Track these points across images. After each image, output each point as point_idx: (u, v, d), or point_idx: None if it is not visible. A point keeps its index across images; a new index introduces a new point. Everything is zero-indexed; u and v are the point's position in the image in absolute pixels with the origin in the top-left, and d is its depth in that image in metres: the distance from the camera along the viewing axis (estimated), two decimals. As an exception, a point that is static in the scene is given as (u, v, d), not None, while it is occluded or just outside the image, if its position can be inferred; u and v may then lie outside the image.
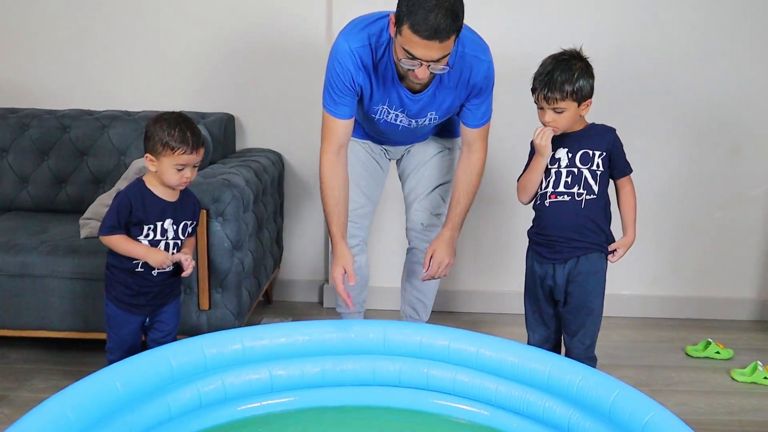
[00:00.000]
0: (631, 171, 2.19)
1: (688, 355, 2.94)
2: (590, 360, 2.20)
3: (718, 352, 2.91)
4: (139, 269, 2.07)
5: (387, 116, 2.19)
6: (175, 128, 1.97)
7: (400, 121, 2.21)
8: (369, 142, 2.42)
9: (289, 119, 3.24)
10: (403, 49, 1.87)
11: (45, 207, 3.09)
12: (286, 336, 2.03)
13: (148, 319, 2.16)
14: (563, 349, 2.30)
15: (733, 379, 2.73)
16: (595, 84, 2.10)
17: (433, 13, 1.78)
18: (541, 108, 2.10)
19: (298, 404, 2.05)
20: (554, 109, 2.06)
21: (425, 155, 2.43)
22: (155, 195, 2.05)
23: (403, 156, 2.48)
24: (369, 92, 2.12)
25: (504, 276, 3.29)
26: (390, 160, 2.50)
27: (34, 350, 2.74)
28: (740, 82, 3.13)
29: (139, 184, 2.06)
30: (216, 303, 2.49)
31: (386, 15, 2.04)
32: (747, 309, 3.34)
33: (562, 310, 2.21)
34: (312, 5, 3.13)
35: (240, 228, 2.50)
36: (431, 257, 2.24)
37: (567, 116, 2.07)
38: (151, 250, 2.04)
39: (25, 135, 3.08)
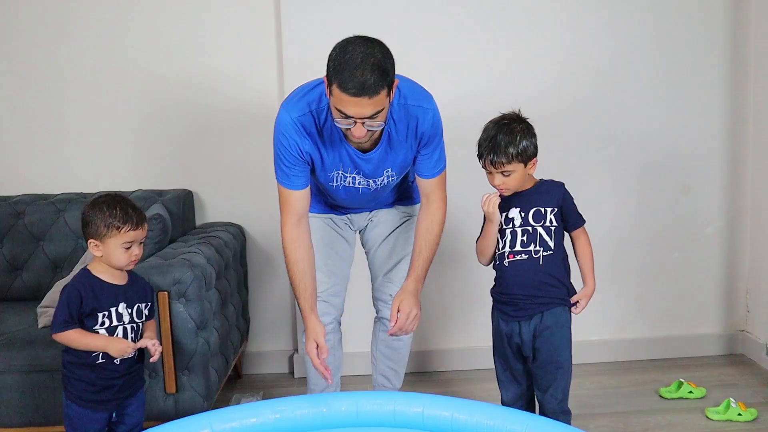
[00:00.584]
0: (583, 222, 2.23)
1: (662, 397, 2.95)
2: (564, 414, 2.19)
3: (691, 392, 2.92)
4: (100, 360, 2.01)
5: (344, 181, 2.18)
6: (116, 207, 1.97)
7: (359, 183, 2.19)
8: (331, 214, 2.39)
9: (248, 191, 3.24)
10: (336, 108, 1.86)
11: (0, 296, 3.01)
12: (256, 416, 1.98)
13: (114, 415, 2.08)
14: (537, 404, 2.29)
15: (708, 418, 2.74)
16: (541, 140, 2.15)
17: (359, 69, 1.78)
18: (489, 173, 2.14)
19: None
20: (502, 173, 2.10)
21: (387, 226, 2.41)
22: (104, 281, 2.01)
23: (366, 226, 2.45)
24: (319, 159, 2.11)
25: (473, 332, 3.28)
26: (355, 231, 2.47)
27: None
28: (683, 123, 3.24)
29: (85, 273, 2.02)
30: (183, 386, 2.43)
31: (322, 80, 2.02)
32: (714, 344, 3.38)
33: (531, 366, 2.21)
34: (264, 74, 3.17)
35: (203, 307, 2.46)
36: (398, 310, 2.14)
37: (515, 177, 2.11)
38: (110, 340, 1.99)
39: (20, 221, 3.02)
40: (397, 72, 1.93)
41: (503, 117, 2.14)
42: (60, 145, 3.22)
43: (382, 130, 2.05)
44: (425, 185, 2.22)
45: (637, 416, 2.79)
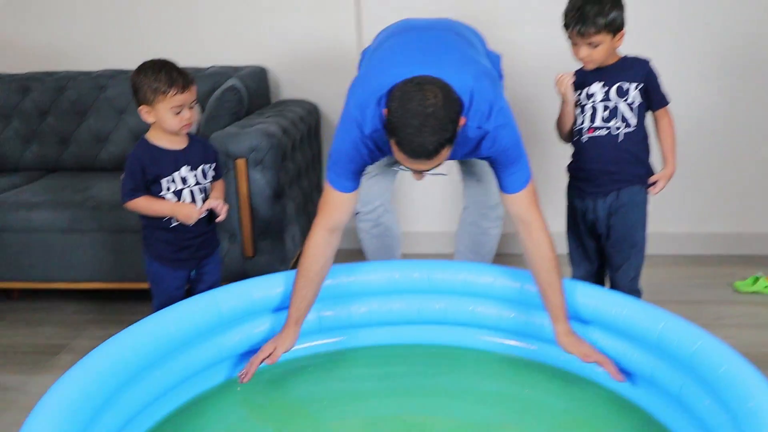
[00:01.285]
0: (668, 102, 2.14)
1: (737, 291, 2.89)
2: (635, 293, 2.19)
3: (767, 287, 2.86)
4: (174, 224, 2.07)
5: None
6: (160, 72, 1.96)
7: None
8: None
9: (322, 69, 3.21)
10: (395, 154, 1.68)
11: (87, 166, 3.15)
12: (332, 278, 2.04)
13: (193, 272, 2.17)
14: (608, 285, 2.29)
15: (783, 312, 2.69)
16: (634, 19, 2.04)
17: (420, 135, 1.58)
18: (575, 44, 2.07)
19: (346, 344, 2.08)
20: (589, 44, 2.03)
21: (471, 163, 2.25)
22: (162, 148, 2.03)
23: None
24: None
25: (548, 216, 3.25)
26: None
27: (88, 302, 2.82)
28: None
29: (143, 143, 2.05)
30: (261, 250, 2.52)
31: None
32: (796, 243, 3.26)
33: (605, 244, 2.20)
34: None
35: (280, 176, 2.51)
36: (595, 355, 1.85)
37: (602, 50, 2.04)
38: (176, 205, 2.03)
39: (63, 97, 3.13)
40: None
41: None
42: (138, 21, 3.25)
43: None
44: (514, 206, 1.90)
45: (710, 306, 2.75)
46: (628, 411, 1.81)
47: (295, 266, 2.83)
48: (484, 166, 2.23)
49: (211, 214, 2.11)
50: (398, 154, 1.65)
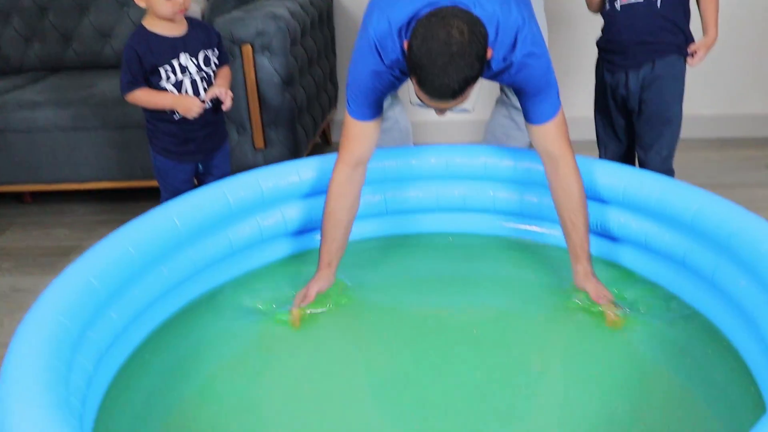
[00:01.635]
0: None
1: (773, 172, 2.76)
2: (668, 173, 2.06)
3: (806, 168, 2.72)
4: (178, 116, 1.96)
5: None
6: None
7: None
8: None
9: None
10: (415, 91, 1.55)
11: (92, 64, 3.03)
12: (343, 167, 1.94)
13: (200, 166, 2.09)
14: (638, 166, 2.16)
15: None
16: None
17: (443, 74, 1.44)
18: None
19: (361, 234, 2.00)
20: None
21: None
22: (159, 35, 1.90)
23: None
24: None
25: (575, 100, 3.10)
26: None
27: (99, 203, 2.78)
28: None
29: (140, 30, 1.92)
30: (271, 141, 2.42)
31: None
32: (838, 122, 3.08)
33: (636, 121, 2.06)
34: None
35: (289, 62, 2.37)
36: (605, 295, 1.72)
37: None
38: (177, 97, 1.92)
39: (63, -9, 2.99)
40: None
41: None
42: None
43: None
44: (540, 138, 1.72)
45: (744, 189, 2.63)
46: (655, 292, 1.73)
47: (311, 154, 2.77)
48: None
49: (217, 103, 1.99)
50: (419, 93, 1.52)
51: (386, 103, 2.18)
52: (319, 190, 1.94)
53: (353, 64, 1.70)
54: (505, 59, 1.61)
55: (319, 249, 1.79)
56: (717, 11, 2.00)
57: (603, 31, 2.07)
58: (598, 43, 2.09)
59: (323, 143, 3.24)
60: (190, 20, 1.98)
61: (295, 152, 2.45)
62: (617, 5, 1.97)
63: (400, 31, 1.58)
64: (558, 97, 1.70)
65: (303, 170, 1.92)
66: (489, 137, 2.33)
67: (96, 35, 3.01)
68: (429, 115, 3.05)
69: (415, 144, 2.45)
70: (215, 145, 2.06)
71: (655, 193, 1.70)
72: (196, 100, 1.92)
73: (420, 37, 1.45)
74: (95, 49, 3.02)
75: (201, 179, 2.11)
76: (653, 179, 1.74)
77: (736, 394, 1.44)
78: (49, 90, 2.69)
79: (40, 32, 3.02)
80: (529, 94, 1.68)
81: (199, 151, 2.03)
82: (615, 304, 1.67)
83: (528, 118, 1.72)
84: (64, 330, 1.29)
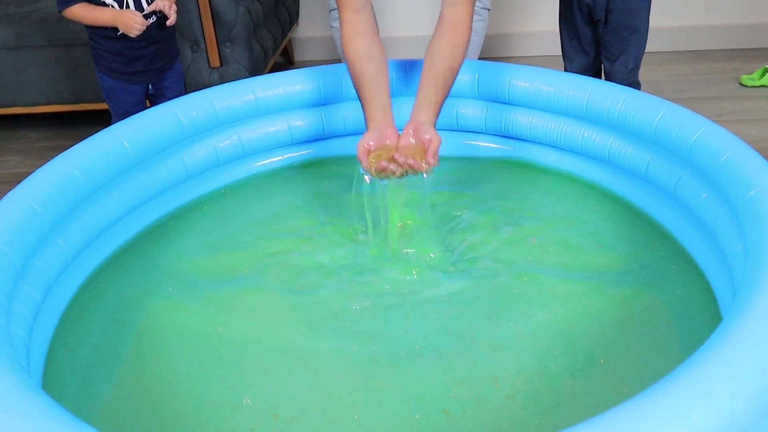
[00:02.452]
0: None
1: (743, 85, 2.73)
2: (634, 85, 2.03)
3: (775, 79, 2.68)
4: (120, 32, 1.86)
5: None
6: None
7: None
8: None
9: None
10: None
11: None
12: (301, 83, 1.87)
13: (151, 87, 2.00)
14: (603, 78, 2.12)
15: (790, 103, 2.53)
16: None
17: None
18: None
19: (320, 153, 1.94)
20: None
21: None
22: None
23: None
24: None
25: (541, 15, 3.01)
26: None
27: (52, 128, 2.69)
28: None
29: None
30: (227, 59, 2.33)
31: None
32: (811, 31, 3.03)
33: (602, 31, 2.00)
34: None
35: (242, -27, 2.26)
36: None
37: None
38: (118, 13, 1.81)
39: None
40: None
41: None
42: None
43: None
44: None
45: (713, 102, 2.60)
46: (620, 207, 1.70)
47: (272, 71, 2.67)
48: None
49: (163, 18, 1.88)
50: None
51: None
52: (277, 108, 1.87)
53: None
54: None
55: (366, 101, 1.51)
56: None
57: None
58: None
59: (286, 62, 3.13)
60: None
61: (252, 71, 2.37)
62: None
63: None
64: None
65: (259, 89, 1.84)
66: None
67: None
68: (399, 29, 2.97)
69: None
70: (165, 65, 1.97)
71: (616, 105, 1.66)
72: (138, 16, 1.82)
73: None
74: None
75: (153, 101, 2.03)
76: (615, 91, 1.69)
77: (696, 306, 1.43)
78: (-10, 7, 2.56)
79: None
80: None
81: (147, 70, 1.94)
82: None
83: None
84: (4, 258, 1.24)
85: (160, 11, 1.85)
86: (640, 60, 2.04)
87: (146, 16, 1.85)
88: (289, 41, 3.01)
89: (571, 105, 1.74)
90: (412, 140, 1.46)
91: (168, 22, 1.88)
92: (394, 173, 1.42)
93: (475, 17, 2.11)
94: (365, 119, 1.50)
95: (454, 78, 1.57)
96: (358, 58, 1.54)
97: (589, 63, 2.10)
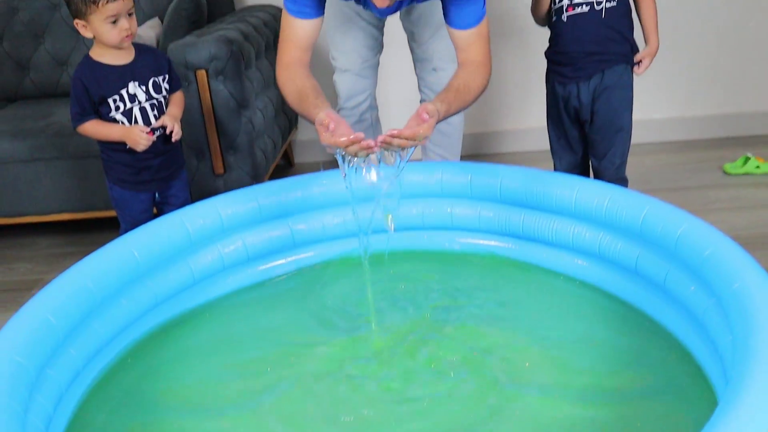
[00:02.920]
0: None
1: (727, 173, 2.83)
2: (621, 181, 2.12)
3: (758, 167, 2.79)
4: (129, 146, 1.96)
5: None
6: None
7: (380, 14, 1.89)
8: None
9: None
10: None
11: (50, 92, 3.03)
12: (301, 189, 1.96)
13: (158, 195, 2.09)
14: (592, 175, 2.21)
15: (774, 191, 2.63)
16: None
17: None
18: None
19: (322, 257, 2.01)
20: None
21: (427, 18, 2.10)
22: (106, 64, 1.91)
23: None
24: None
25: (530, 112, 3.15)
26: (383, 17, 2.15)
27: (61, 235, 2.76)
28: None
29: (86, 61, 1.92)
30: (230, 166, 2.43)
31: None
32: (788, 120, 3.17)
33: (588, 131, 2.11)
34: None
35: (244, 86, 2.39)
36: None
37: None
38: (126, 129, 1.92)
39: (16, 19, 2.98)
40: None
41: None
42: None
43: None
44: (461, 41, 1.73)
45: (699, 191, 2.69)
46: (611, 303, 1.76)
47: (273, 176, 2.77)
48: (440, 53, 2.10)
49: (169, 132, 2.00)
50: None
51: (365, 105, 2.23)
52: (279, 215, 1.96)
53: None
54: None
55: (304, 113, 1.70)
56: (656, 20, 2.07)
57: (551, 42, 2.13)
58: (547, 55, 2.14)
59: (287, 165, 3.25)
60: (138, 46, 1.98)
61: (255, 176, 2.47)
62: (563, 17, 2.02)
63: None
64: (484, 7, 1.70)
65: (262, 196, 1.93)
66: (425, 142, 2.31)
67: (53, 63, 3.01)
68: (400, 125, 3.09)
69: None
70: (171, 174, 2.06)
71: (604, 202, 1.74)
72: (143, 134, 1.92)
73: None
74: (52, 78, 3.02)
75: (159, 208, 2.11)
76: (601, 189, 1.78)
77: (693, 393, 1.47)
78: (6, 121, 2.68)
79: (-4, 61, 3.00)
80: None
81: (155, 179, 2.03)
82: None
83: (452, 22, 1.71)
84: (20, 370, 1.29)
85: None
86: (626, 156, 2.14)
87: (153, 130, 1.96)
88: (289, 144, 3.14)
89: (560, 203, 1.82)
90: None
91: (173, 138, 1.99)
92: (371, 149, 1.50)
93: (439, 132, 2.23)
94: (306, 113, 1.67)
95: (470, 93, 1.70)
96: (300, 76, 1.72)
97: (577, 161, 2.21)
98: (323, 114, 1.57)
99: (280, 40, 1.78)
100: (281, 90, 1.78)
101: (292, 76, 1.75)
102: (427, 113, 1.57)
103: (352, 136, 1.49)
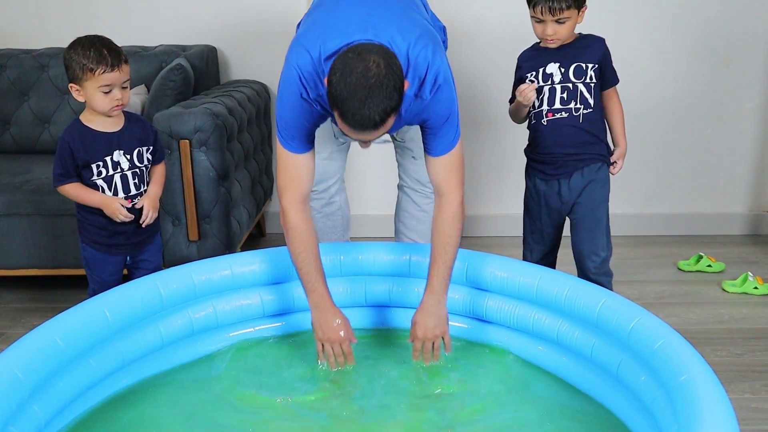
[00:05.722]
0: (618, 81, 2.18)
1: (680, 270, 2.95)
2: (606, 275, 2.20)
3: (709, 266, 2.92)
4: None
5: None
6: (90, 49, 1.89)
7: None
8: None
9: (272, 50, 3.16)
10: (338, 125, 1.65)
11: (28, 149, 3.06)
12: (275, 260, 2.02)
13: (129, 258, 2.10)
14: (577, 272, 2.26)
15: (724, 290, 2.74)
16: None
17: (363, 106, 1.54)
18: (540, 21, 2.04)
19: (290, 327, 2.05)
20: (557, 21, 2.02)
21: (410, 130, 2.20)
22: (94, 130, 1.96)
23: None
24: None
25: (504, 198, 3.27)
26: None
27: (26, 290, 2.75)
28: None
29: (76, 124, 1.98)
30: (205, 233, 2.48)
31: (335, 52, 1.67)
32: (739, 223, 3.34)
33: (572, 230, 2.20)
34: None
35: (225, 157, 2.47)
36: (414, 333, 1.86)
37: (569, 26, 2.04)
38: (105, 199, 1.96)
39: (3, 76, 3.04)
40: None
41: None
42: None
43: None
44: (434, 168, 1.85)
45: (654, 286, 2.81)
46: (567, 391, 1.83)
47: (243, 249, 2.83)
48: (420, 142, 2.21)
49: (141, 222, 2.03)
50: (342, 125, 1.61)
51: (334, 188, 2.29)
52: (252, 283, 2.01)
53: (279, 100, 1.79)
54: (417, 91, 1.74)
55: (310, 290, 1.84)
56: (623, 124, 2.21)
57: (530, 141, 2.21)
58: (527, 153, 2.24)
59: (258, 234, 3.30)
60: (128, 115, 2.04)
61: (228, 245, 2.52)
62: (543, 121, 2.13)
63: (318, 69, 1.70)
64: (457, 134, 1.82)
65: (235, 265, 1.98)
66: (400, 227, 2.40)
67: (35, 120, 3.04)
68: (367, 209, 3.19)
69: (351, 236, 2.53)
70: (145, 239, 2.09)
71: (563, 292, 1.83)
72: (122, 209, 1.97)
73: (339, 72, 1.56)
74: (33, 134, 3.05)
75: (130, 271, 2.13)
76: (561, 279, 1.87)
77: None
78: (-17, 175, 2.70)
79: (-21, 115, 3.03)
80: (436, 126, 1.79)
81: (128, 244, 2.06)
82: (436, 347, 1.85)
83: (429, 150, 1.84)
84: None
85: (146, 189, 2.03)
86: (610, 251, 2.21)
87: (132, 197, 2.01)
88: (262, 214, 3.21)
89: (523, 290, 1.91)
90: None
91: (142, 223, 2.02)
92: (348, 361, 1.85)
93: (426, 200, 2.33)
94: (316, 297, 1.85)
95: (454, 241, 1.85)
96: (312, 247, 1.86)
97: (546, 251, 2.27)
98: (350, 330, 1.85)
99: (283, 178, 1.84)
100: (292, 239, 1.86)
101: (306, 232, 1.85)
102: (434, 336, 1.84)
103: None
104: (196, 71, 2.85)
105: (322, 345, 1.85)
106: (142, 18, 3.16)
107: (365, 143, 1.70)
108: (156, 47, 3.04)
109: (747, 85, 3.17)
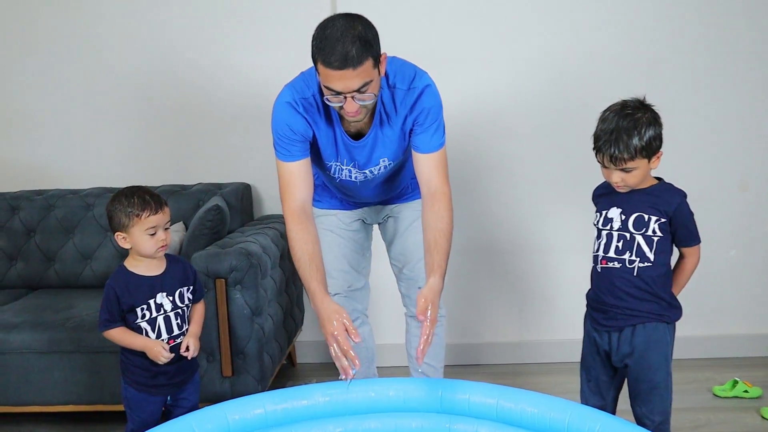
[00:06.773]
0: (696, 242, 2.00)
1: (716, 396, 2.90)
2: None
3: (746, 391, 2.87)
4: None
5: (341, 174, 2.16)
6: (134, 197, 2.02)
7: (355, 177, 2.17)
8: (340, 211, 2.33)
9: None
10: (325, 86, 1.84)
11: (71, 284, 3.18)
12: (306, 398, 2.05)
13: (169, 398, 2.16)
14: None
15: (762, 417, 2.69)
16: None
17: (340, 42, 1.76)
18: (606, 167, 1.91)
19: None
20: (623, 170, 1.88)
21: (405, 220, 2.34)
22: (138, 275, 2.06)
23: (383, 221, 2.41)
24: (314, 137, 2.07)
25: (542, 325, 3.28)
26: (370, 224, 2.44)
27: (61, 424, 2.77)
28: (745, 115, 3.16)
29: (120, 271, 2.08)
30: (238, 369, 2.53)
31: None
32: (771, 345, 3.30)
33: (628, 380, 2.06)
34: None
35: (259, 295, 2.56)
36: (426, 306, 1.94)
37: (637, 174, 1.90)
38: (149, 342, 2.04)
39: (51, 215, 3.19)
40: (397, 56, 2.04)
41: (625, 104, 1.89)
42: (125, 140, 3.35)
43: (374, 111, 2.00)
44: (424, 166, 2.05)
45: (690, 413, 2.76)
46: None
47: (273, 386, 2.85)
48: (416, 253, 2.28)
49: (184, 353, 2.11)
50: (325, 75, 1.79)
51: (358, 321, 2.34)
52: (285, 422, 2.03)
53: (272, 120, 2.02)
54: (395, 83, 1.98)
55: (309, 288, 1.98)
56: (683, 285, 2.07)
57: (591, 284, 2.08)
58: (587, 297, 2.11)
59: (289, 364, 3.33)
60: (169, 257, 2.14)
61: (261, 379, 2.56)
62: (598, 267, 2.01)
63: (311, 77, 1.97)
64: (443, 140, 2.04)
65: (269, 403, 2.01)
66: (412, 352, 2.41)
67: (78, 257, 3.17)
68: (392, 337, 3.21)
69: (378, 366, 2.56)
70: (186, 378, 2.15)
71: (595, 428, 1.82)
72: (164, 351, 2.04)
73: (320, 26, 1.82)
74: (76, 270, 3.17)
75: (169, 410, 2.18)
76: (595, 416, 1.86)
77: None
78: (28, 311, 2.79)
79: (25, 252, 3.17)
80: (425, 125, 2.01)
81: (170, 384, 2.12)
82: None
83: (417, 147, 2.04)
84: None
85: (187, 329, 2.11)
86: (668, 415, 2.01)
87: (175, 337, 2.08)
88: (293, 345, 3.25)
89: (554, 426, 1.90)
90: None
91: (187, 355, 2.09)
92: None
93: (438, 322, 2.34)
94: (311, 293, 1.98)
95: (447, 235, 2.01)
96: (311, 240, 2.01)
97: (605, 406, 2.09)
98: (348, 319, 1.91)
99: (282, 192, 2.05)
100: (292, 245, 2.03)
101: (304, 226, 2.02)
102: (425, 299, 1.90)
103: (356, 361, 1.90)
104: (231, 208, 2.99)
105: (332, 345, 1.92)
106: (180, 159, 3.34)
107: (348, 100, 1.83)
108: (194, 185, 3.20)
109: (765, 208, 3.21)
